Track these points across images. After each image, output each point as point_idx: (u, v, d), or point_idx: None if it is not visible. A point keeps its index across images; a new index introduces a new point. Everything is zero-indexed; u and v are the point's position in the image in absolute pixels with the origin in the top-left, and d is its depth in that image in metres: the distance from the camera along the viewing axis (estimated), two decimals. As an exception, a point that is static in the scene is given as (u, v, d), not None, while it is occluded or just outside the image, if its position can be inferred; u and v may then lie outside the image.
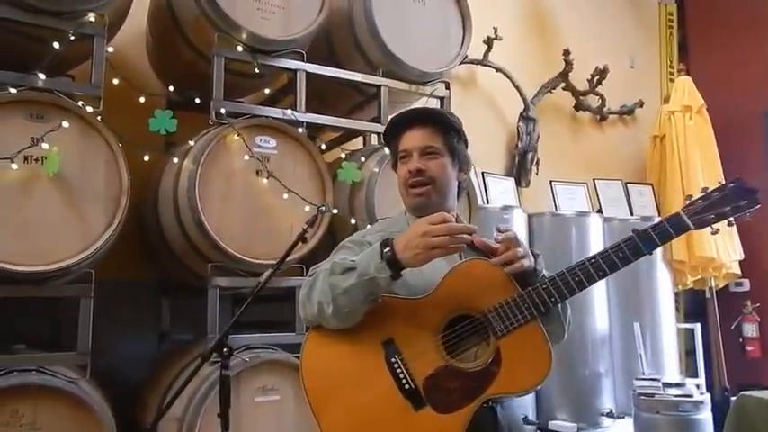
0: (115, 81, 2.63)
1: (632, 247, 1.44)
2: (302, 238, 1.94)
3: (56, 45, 2.38)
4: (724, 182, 1.51)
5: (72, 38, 2.39)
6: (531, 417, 3.72)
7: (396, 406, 1.40)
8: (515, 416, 1.56)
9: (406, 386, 1.41)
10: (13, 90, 2.23)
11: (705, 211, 1.45)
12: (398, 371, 1.42)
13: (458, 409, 1.40)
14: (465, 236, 1.41)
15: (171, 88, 3.04)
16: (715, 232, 1.53)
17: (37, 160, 2.25)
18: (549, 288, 1.44)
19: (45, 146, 2.25)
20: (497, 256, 1.49)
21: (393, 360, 1.43)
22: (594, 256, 1.45)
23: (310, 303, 1.47)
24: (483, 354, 1.44)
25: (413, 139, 1.59)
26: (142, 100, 2.74)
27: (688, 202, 1.49)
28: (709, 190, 1.48)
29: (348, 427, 1.42)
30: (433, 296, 1.45)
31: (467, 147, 1.67)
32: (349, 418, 1.42)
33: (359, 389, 1.43)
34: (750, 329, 4.94)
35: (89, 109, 2.36)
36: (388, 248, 1.39)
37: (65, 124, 2.29)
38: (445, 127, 1.61)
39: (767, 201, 1.57)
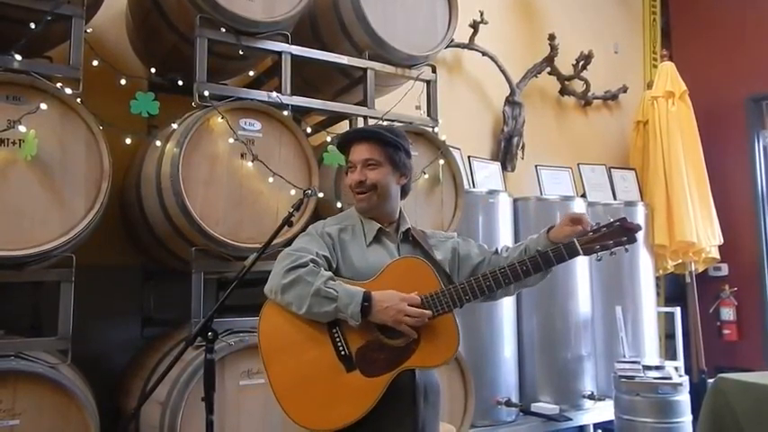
0: (95, 63, 2.58)
1: (534, 264, 1.76)
2: (288, 222, 1.94)
3: (32, 25, 2.32)
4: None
5: (49, 18, 2.33)
6: (515, 399, 3.76)
7: (331, 366, 1.71)
8: (432, 379, 1.84)
9: (342, 352, 1.71)
10: (-12, 71, 2.18)
11: (594, 241, 1.75)
12: (337, 339, 1.72)
13: (380, 374, 1.70)
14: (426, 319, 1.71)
15: (153, 70, 2.98)
16: (599, 259, 1.82)
17: (14, 143, 2.21)
18: (466, 288, 1.74)
19: (22, 128, 2.20)
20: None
21: (334, 330, 1.73)
22: (504, 267, 1.76)
23: (283, 297, 1.72)
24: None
25: (357, 152, 1.88)
26: (123, 82, 2.68)
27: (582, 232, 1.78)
28: (600, 225, 1.77)
29: (291, 378, 1.71)
30: (375, 281, 1.75)
31: (408, 156, 1.93)
32: (292, 371, 1.71)
33: (303, 350, 1.72)
34: (727, 313, 5.04)
35: (68, 91, 2.31)
36: (367, 303, 1.67)
37: (43, 106, 2.24)
38: (383, 142, 1.87)
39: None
